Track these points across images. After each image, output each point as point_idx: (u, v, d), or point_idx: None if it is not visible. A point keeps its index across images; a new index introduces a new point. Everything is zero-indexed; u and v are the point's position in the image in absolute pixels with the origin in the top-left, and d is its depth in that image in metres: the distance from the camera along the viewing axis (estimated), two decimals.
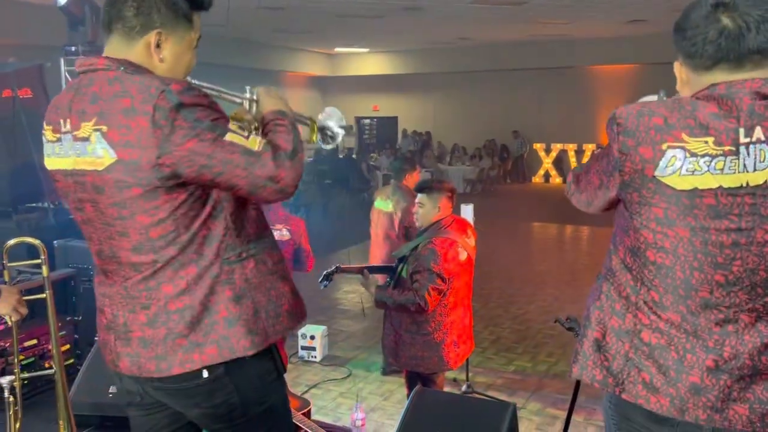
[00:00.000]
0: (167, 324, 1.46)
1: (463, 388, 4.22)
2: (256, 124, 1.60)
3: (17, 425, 2.38)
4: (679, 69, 1.42)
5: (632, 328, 1.41)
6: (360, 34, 14.35)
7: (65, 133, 1.45)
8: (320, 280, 3.35)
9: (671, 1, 9.50)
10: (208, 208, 1.45)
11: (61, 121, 1.45)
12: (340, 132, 1.82)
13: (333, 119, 1.82)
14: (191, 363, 1.46)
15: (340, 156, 16.03)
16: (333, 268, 3.36)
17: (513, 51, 16.14)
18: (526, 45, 15.87)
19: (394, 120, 19.87)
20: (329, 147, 1.84)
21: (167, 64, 1.48)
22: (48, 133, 1.52)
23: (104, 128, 1.36)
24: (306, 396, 3.92)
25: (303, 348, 4.82)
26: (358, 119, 20.66)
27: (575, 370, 1.50)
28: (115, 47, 1.47)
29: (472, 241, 3.24)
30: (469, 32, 14.09)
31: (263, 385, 1.57)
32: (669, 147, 1.28)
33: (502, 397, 4.09)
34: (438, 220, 3.18)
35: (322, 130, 1.81)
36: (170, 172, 1.36)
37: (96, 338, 3.84)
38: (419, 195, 3.26)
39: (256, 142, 1.40)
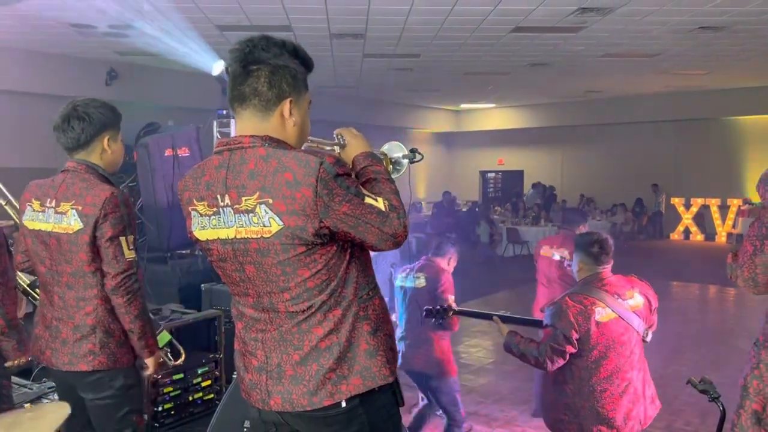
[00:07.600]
0: (318, 360, 1.61)
1: None
2: (350, 165, 1.79)
3: None
4: None
5: None
6: (486, 90, 14.54)
7: (224, 206, 1.62)
8: (425, 314, 3.06)
9: None
10: (347, 255, 1.62)
11: (218, 196, 1.62)
12: (405, 161, 2.09)
13: (396, 151, 2.09)
14: (339, 394, 1.60)
15: (463, 209, 16.11)
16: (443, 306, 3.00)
17: (646, 102, 15.54)
18: (661, 96, 15.24)
19: (519, 174, 19.70)
20: (396, 176, 2.06)
21: (298, 127, 1.69)
22: (201, 208, 1.67)
23: (270, 200, 1.54)
24: None
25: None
26: (483, 173, 20.69)
27: None
28: (250, 122, 1.64)
29: (632, 302, 2.93)
30: (599, 85, 13.82)
31: (388, 417, 1.70)
32: None
33: None
34: (589, 276, 3.00)
35: (394, 162, 2.08)
36: (329, 232, 1.55)
37: (234, 376, 4.12)
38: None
39: (382, 203, 1.60)
